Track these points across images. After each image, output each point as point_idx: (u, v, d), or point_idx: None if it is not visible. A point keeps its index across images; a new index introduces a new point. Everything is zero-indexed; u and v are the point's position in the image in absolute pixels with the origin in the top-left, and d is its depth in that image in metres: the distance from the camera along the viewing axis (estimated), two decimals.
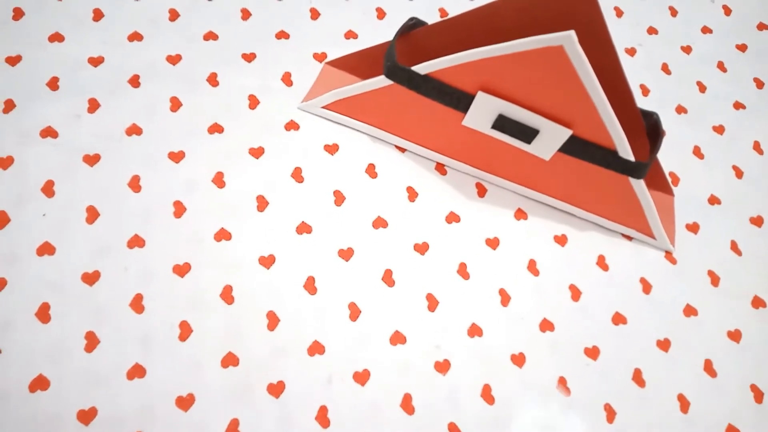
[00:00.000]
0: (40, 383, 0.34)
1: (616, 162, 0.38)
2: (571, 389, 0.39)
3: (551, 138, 0.37)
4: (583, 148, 0.37)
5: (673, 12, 0.55)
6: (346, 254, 0.40)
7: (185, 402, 0.35)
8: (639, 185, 0.39)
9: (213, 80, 0.44)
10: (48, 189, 0.39)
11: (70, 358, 0.35)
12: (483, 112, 0.37)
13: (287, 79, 0.45)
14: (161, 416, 0.34)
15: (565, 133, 0.36)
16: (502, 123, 0.38)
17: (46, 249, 0.37)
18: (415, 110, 0.40)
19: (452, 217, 0.43)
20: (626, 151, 0.37)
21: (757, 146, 0.49)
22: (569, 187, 0.42)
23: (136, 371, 0.35)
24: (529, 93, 0.35)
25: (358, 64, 0.44)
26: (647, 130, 0.41)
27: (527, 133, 0.37)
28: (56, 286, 0.36)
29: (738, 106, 0.51)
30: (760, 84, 0.52)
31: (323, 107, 0.43)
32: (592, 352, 0.40)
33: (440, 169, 0.44)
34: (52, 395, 0.34)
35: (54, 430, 0.33)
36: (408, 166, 0.44)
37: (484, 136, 0.39)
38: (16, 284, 0.36)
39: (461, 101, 0.38)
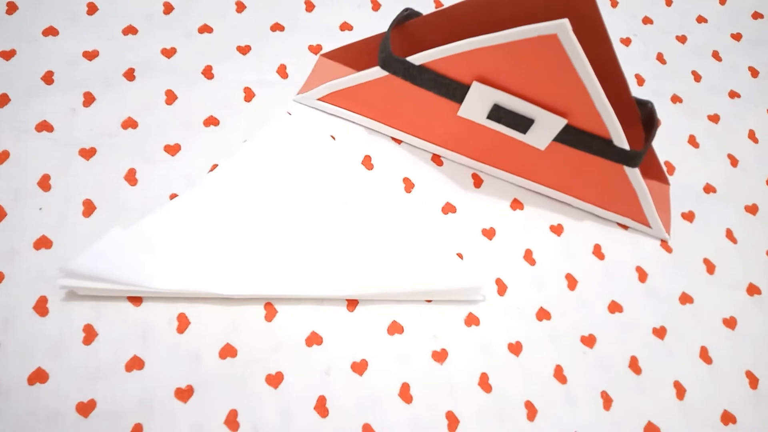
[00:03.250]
0: (39, 376, 0.34)
1: (611, 151, 0.38)
2: (568, 377, 0.39)
3: (546, 127, 0.37)
4: (578, 137, 0.38)
5: (668, 2, 0.55)
6: None
7: (184, 393, 0.35)
8: (634, 174, 0.39)
9: (208, 73, 0.44)
10: (44, 183, 0.39)
11: (69, 351, 0.35)
12: (478, 102, 0.38)
13: (282, 72, 0.45)
14: (160, 408, 0.34)
15: (560, 123, 0.37)
16: (498, 113, 0.38)
17: (43, 243, 0.37)
18: (410, 101, 0.40)
19: (448, 208, 0.43)
20: (621, 140, 0.37)
21: (752, 135, 0.49)
22: (565, 177, 0.43)
23: (135, 363, 0.35)
24: (524, 82, 0.35)
25: (354, 56, 0.44)
26: (642, 120, 0.41)
27: (522, 123, 0.38)
28: (54, 280, 0.35)
29: (733, 95, 0.51)
30: (755, 73, 0.52)
31: (319, 99, 0.43)
32: (589, 341, 0.40)
33: (436, 160, 0.44)
34: (52, 388, 0.34)
35: (54, 422, 0.33)
36: (404, 157, 0.44)
37: (480, 126, 0.39)
38: (14, 278, 0.36)
39: (456, 92, 0.38)
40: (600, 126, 0.36)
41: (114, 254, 0.35)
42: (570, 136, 0.38)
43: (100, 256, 0.34)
